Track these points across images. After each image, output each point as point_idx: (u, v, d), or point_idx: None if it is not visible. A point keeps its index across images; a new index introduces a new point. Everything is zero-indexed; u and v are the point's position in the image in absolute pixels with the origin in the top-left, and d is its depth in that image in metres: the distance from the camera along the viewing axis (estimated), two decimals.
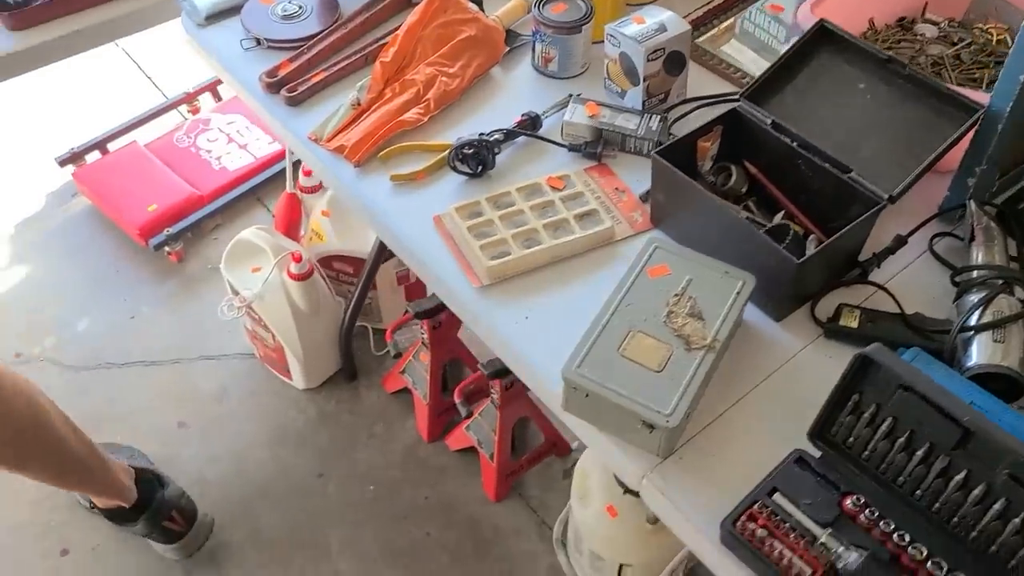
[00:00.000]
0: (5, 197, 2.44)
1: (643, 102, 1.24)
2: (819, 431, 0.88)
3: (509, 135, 1.22)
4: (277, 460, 1.91)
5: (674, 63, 1.23)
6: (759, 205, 1.13)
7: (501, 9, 1.39)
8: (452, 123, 1.27)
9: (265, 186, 2.41)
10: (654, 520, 1.47)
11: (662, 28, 1.21)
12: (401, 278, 2.06)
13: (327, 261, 1.98)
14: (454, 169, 1.19)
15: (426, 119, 1.25)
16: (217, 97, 2.63)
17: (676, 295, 0.97)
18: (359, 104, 1.26)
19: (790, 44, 1.13)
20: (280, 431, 1.96)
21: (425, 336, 1.82)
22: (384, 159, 1.21)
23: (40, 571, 1.74)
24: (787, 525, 0.83)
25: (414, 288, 2.12)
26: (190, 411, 1.99)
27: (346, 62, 1.32)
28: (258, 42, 1.36)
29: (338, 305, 1.97)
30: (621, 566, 1.57)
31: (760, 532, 0.83)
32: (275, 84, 1.29)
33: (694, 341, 0.93)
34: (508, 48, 1.36)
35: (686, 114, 1.27)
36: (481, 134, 1.22)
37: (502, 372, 1.67)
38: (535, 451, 1.89)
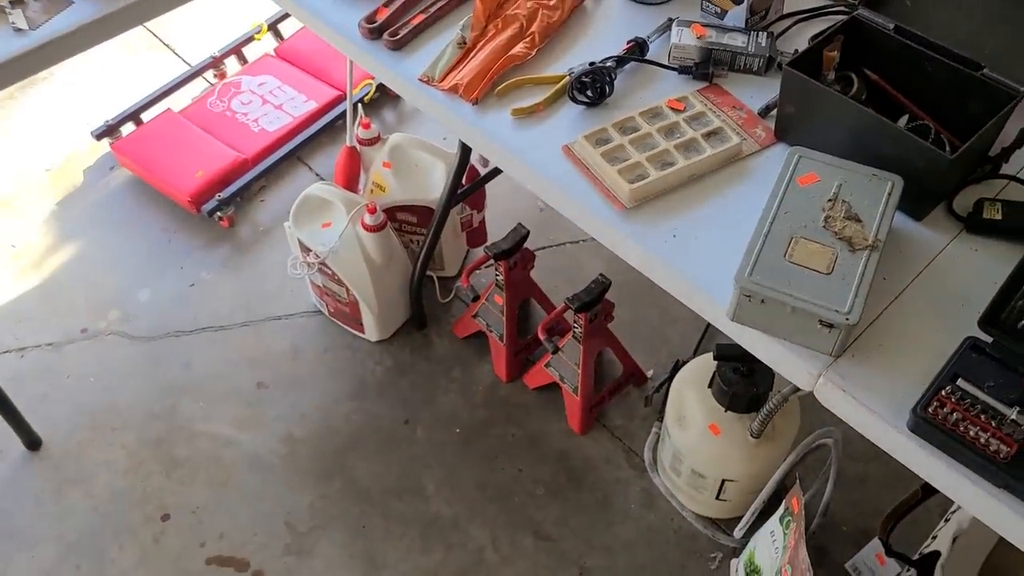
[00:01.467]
0: (40, 175, 2.41)
1: (746, 20, 1.26)
2: (991, 317, 0.92)
3: (620, 62, 1.23)
4: (362, 412, 1.94)
5: None
6: (880, 112, 1.15)
7: None
8: (558, 55, 1.27)
9: (304, 146, 2.39)
10: (758, 434, 1.51)
11: None
12: (464, 224, 2.08)
13: (390, 212, 1.99)
14: (573, 99, 1.20)
15: (534, 53, 1.26)
16: (243, 60, 2.59)
17: (830, 200, 0.99)
18: (464, 43, 1.27)
19: None
20: (360, 384, 1.98)
21: (501, 277, 1.84)
22: (501, 95, 1.22)
23: (147, 536, 1.76)
24: (977, 408, 0.87)
25: (476, 234, 2.14)
26: (267, 372, 2.01)
27: (443, 1, 1.32)
28: None
29: (405, 254, 1.99)
30: (723, 481, 1.63)
31: (953, 416, 0.87)
32: (376, 30, 1.29)
33: (857, 242, 0.96)
34: None
35: (787, 29, 1.29)
36: (592, 63, 1.23)
37: (588, 305, 1.70)
38: (614, 382, 1.93)
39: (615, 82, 1.21)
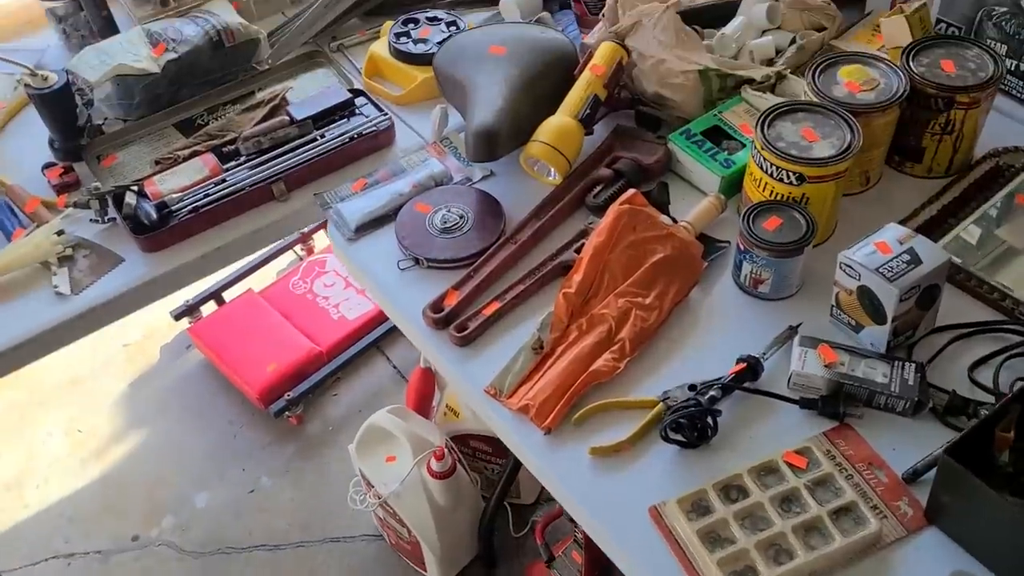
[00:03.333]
0: (117, 351, 2.35)
1: (888, 343, 1.03)
2: None
3: (726, 389, 1.02)
4: None
5: (928, 297, 1.02)
6: None
7: (692, 212, 1.20)
8: (652, 367, 1.07)
9: (386, 336, 2.25)
10: None
11: (914, 259, 0.99)
12: None
13: (463, 439, 1.80)
14: (666, 439, 0.99)
15: (622, 366, 1.06)
16: None
17: None
18: (541, 347, 1.08)
19: None
20: None
21: (580, 536, 1.62)
22: (579, 423, 1.02)
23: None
24: None
25: None
26: None
27: (520, 287, 1.15)
28: (417, 261, 1.20)
29: (476, 488, 1.78)
30: None
31: None
32: (442, 320, 1.12)
33: None
34: (706, 262, 1.16)
35: (942, 350, 1.05)
36: (692, 387, 1.02)
37: None
38: None
39: (719, 417, 0.99)
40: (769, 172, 1.12)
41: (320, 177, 1.36)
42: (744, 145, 1.26)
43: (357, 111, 1.42)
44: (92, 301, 1.21)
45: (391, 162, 1.36)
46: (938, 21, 1.36)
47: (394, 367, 2.26)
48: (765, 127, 1.13)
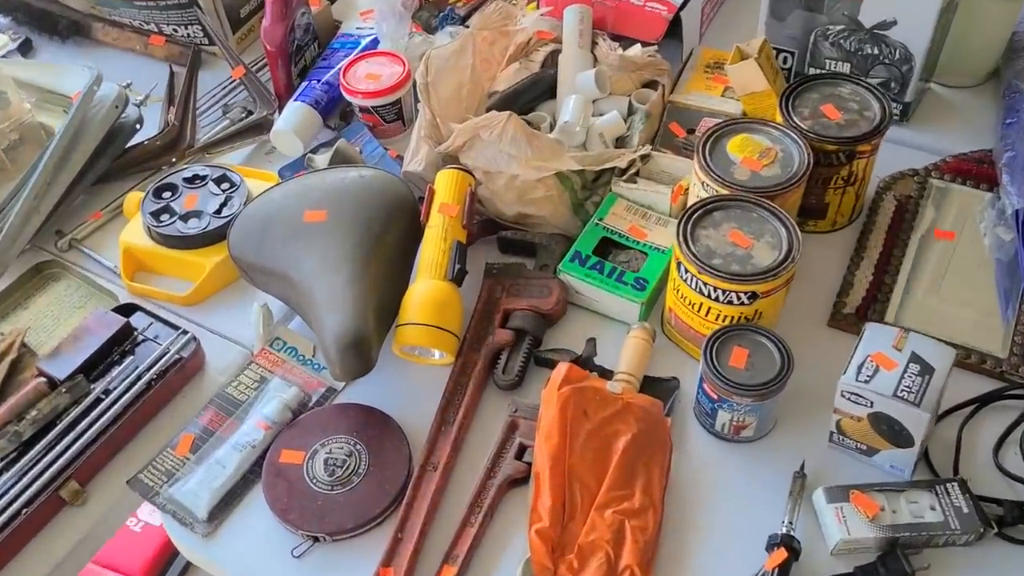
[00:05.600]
0: None
1: (915, 464, 0.88)
2: None
3: None
4: None
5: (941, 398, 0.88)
6: None
7: (625, 358, 0.98)
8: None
9: None
10: None
11: (924, 368, 0.85)
12: None
13: None
14: None
15: None
16: None
17: None
18: None
19: None
20: None
21: None
22: None
23: None
24: None
25: None
26: None
27: (469, 533, 0.87)
28: (316, 539, 0.88)
29: None
30: None
31: None
32: None
33: None
34: (668, 418, 0.95)
35: (958, 448, 0.92)
36: None
37: None
38: None
39: None
40: (713, 296, 0.93)
41: (121, 451, 0.98)
42: (645, 254, 1.06)
43: (140, 336, 1.04)
44: None
45: (215, 396, 1.01)
46: None
47: None
48: (690, 243, 0.93)
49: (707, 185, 1.01)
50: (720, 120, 1.07)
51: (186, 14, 1.38)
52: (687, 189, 1.09)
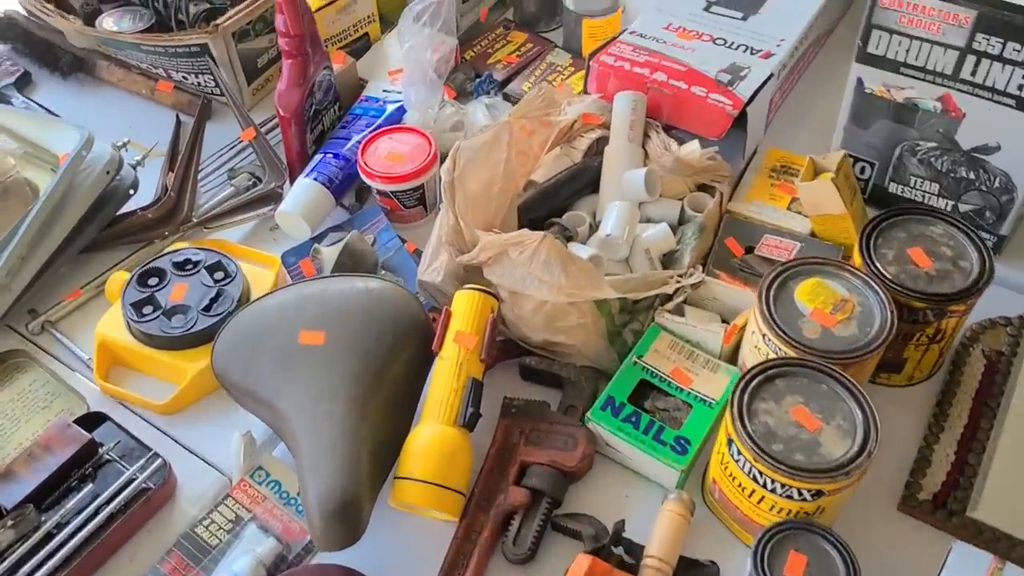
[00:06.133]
0: None
1: None
2: None
3: None
4: None
5: None
6: None
7: (657, 538, 0.83)
8: None
9: None
10: None
11: None
12: None
13: None
14: None
15: None
16: None
17: None
18: None
19: None
20: None
21: None
22: None
23: None
24: None
25: None
26: None
27: None
28: None
29: None
30: None
31: None
32: None
33: None
34: None
35: None
36: None
37: None
38: None
39: None
40: (769, 488, 0.78)
41: None
42: (689, 405, 0.91)
43: (105, 456, 0.91)
44: None
45: (182, 536, 0.88)
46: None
47: None
48: (745, 419, 0.79)
49: (768, 339, 0.86)
50: (788, 261, 0.92)
51: (197, 62, 1.25)
52: (742, 327, 0.94)
